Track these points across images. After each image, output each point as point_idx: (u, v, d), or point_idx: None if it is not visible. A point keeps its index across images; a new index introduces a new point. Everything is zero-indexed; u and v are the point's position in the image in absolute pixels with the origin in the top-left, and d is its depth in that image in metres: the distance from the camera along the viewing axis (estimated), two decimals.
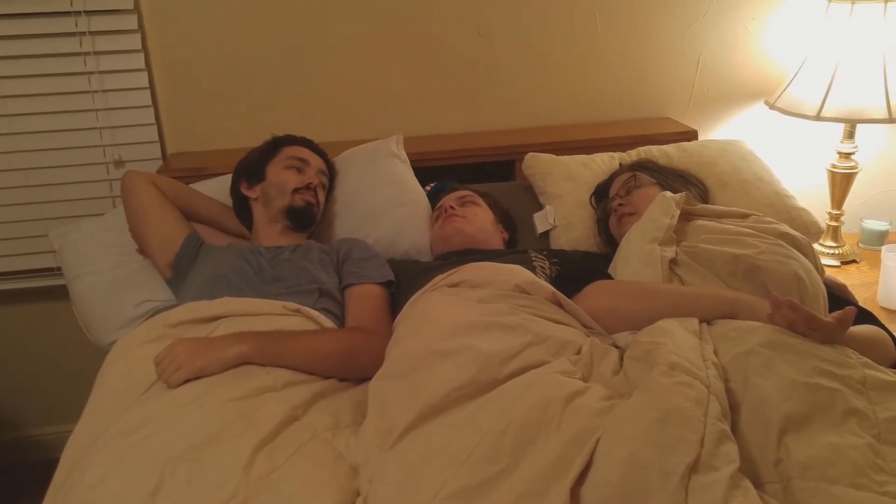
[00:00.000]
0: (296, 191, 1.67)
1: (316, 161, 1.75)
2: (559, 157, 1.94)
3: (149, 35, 2.00)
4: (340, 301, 1.54)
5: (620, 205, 1.66)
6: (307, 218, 1.69)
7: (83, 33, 1.92)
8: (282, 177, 1.68)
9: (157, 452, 1.03)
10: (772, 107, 2.08)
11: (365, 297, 1.52)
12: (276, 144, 1.76)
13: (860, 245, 2.12)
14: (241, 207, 1.74)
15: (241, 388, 1.17)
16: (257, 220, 1.71)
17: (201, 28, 2.01)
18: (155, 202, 1.66)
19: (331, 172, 1.82)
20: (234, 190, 1.74)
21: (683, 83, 2.24)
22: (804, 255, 1.39)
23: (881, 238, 2.07)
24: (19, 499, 2.09)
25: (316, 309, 1.43)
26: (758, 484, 0.92)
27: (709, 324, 1.19)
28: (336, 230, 1.81)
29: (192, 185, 1.80)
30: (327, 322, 1.42)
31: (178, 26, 2.01)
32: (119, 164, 2.04)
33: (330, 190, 1.82)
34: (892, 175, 2.35)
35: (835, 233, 2.08)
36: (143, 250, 1.69)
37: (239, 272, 1.51)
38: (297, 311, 1.41)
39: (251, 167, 1.73)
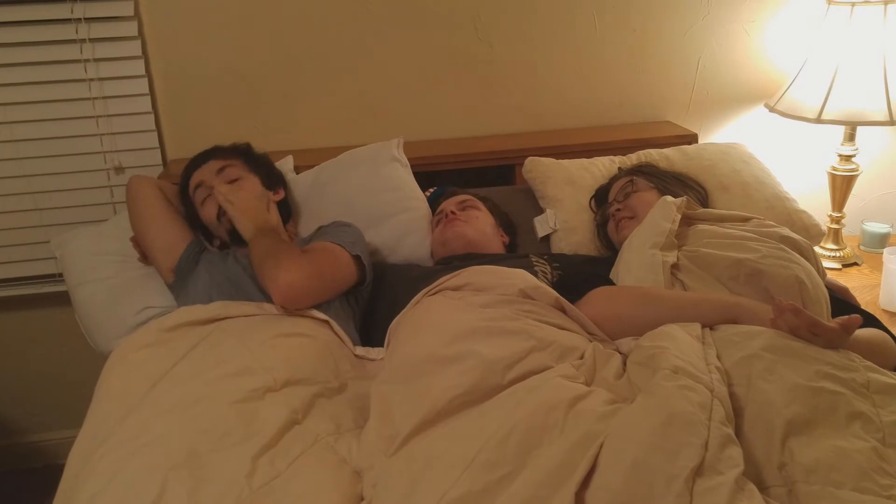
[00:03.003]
0: (219, 221, 1.61)
1: (207, 169, 1.65)
2: (559, 160, 1.94)
3: (149, 42, 2.00)
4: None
5: (618, 210, 1.66)
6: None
7: (83, 40, 1.93)
8: (204, 216, 1.64)
9: (157, 461, 1.03)
10: (772, 109, 2.08)
11: (319, 245, 1.50)
12: (184, 192, 1.69)
13: (861, 248, 2.12)
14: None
15: (240, 389, 1.17)
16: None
17: (201, 34, 2.02)
18: (160, 206, 1.66)
19: (238, 149, 1.72)
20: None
21: (683, 86, 2.24)
22: (805, 258, 1.39)
23: (882, 240, 2.07)
24: None
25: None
26: (762, 488, 0.92)
27: (711, 329, 1.19)
28: None
29: None
30: (322, 315, 1.42)
31: (178, 33, 2.01)
32: (119, 170, 2.04)
33: (248, 155, 1.73)
34: (893, 177, 2.35)
35: (836, 235, 2.07)
36: (145, 255, 1.69)
37: (236, 278, 1.53)
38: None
39: (199, 229, 1.70)
